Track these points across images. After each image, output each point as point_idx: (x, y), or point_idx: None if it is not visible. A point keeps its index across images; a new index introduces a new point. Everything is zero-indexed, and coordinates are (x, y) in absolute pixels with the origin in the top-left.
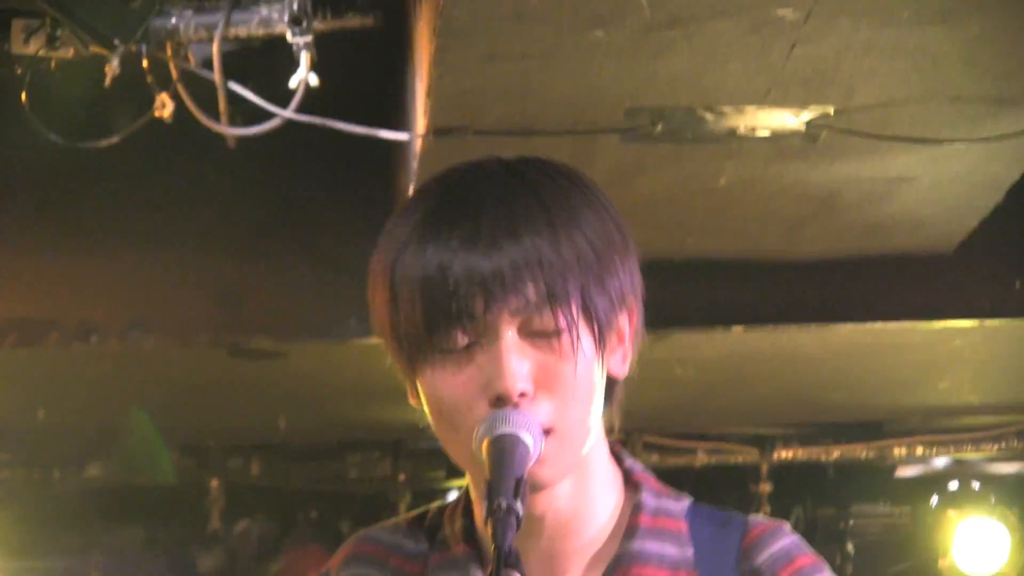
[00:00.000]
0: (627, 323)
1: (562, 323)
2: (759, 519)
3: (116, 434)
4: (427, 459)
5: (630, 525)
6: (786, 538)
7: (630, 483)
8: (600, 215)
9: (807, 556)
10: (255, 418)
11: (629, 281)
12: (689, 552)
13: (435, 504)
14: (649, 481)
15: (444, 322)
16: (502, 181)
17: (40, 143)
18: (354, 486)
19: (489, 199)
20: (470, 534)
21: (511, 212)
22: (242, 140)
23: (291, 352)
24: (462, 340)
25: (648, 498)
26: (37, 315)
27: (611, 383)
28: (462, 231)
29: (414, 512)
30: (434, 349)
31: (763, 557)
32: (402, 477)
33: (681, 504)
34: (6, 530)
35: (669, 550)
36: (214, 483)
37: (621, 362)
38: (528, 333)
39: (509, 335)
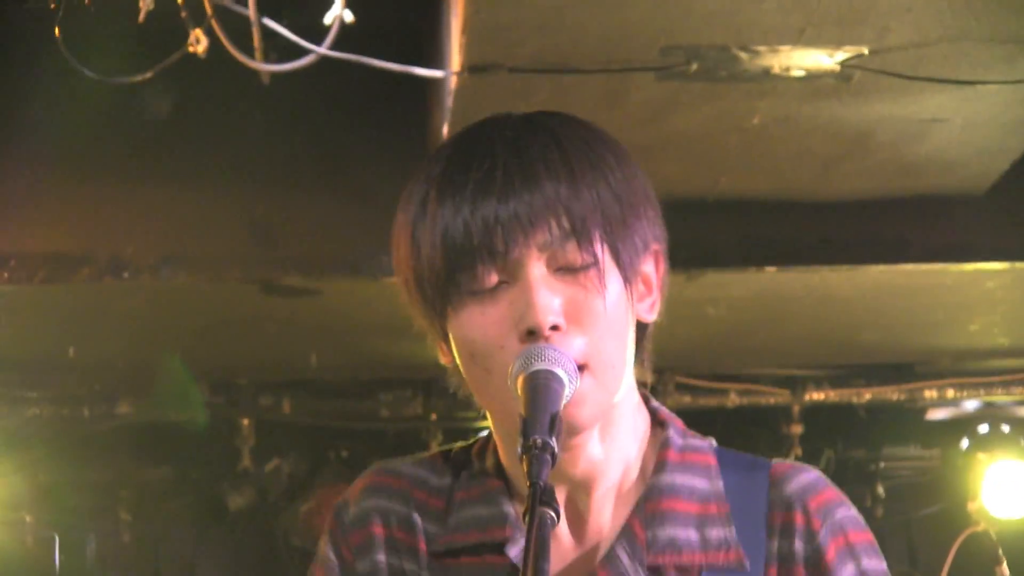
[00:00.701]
0: (653, 269)
1: (588, 257)
2: (782, 461)
3: (147, 371)
4: (459, 398)
5: (659, 460)
6: (812, 472)
7: (656, 422)
8: (622, 164)
9: (833, 490)
10: (286, 355)
11: (653, 229)
12: (719, 484)
13: (457, 444)
14: (675, 421)
15: (467, 261)
16: (518, 130)
17: (74, 78)
18: (385, 425)
19: (503, 147)
20: (500, 471)
21: (528, 158)
22: (276, 77)
23: (323, 289)
24: (490, 280)
25: (675, 436)
26: (68, 251)
27: (641, 329)
28: (477, 178)
29: (434, 450)
30: (460, 291)
31: (792, 487)
32: (433, 416)
33: (707, 442)
34: (35, 467)
35: (699, 483)
36: (245, 421)
37: (649, 309)
38: (556, 269)
39: (536, 270)
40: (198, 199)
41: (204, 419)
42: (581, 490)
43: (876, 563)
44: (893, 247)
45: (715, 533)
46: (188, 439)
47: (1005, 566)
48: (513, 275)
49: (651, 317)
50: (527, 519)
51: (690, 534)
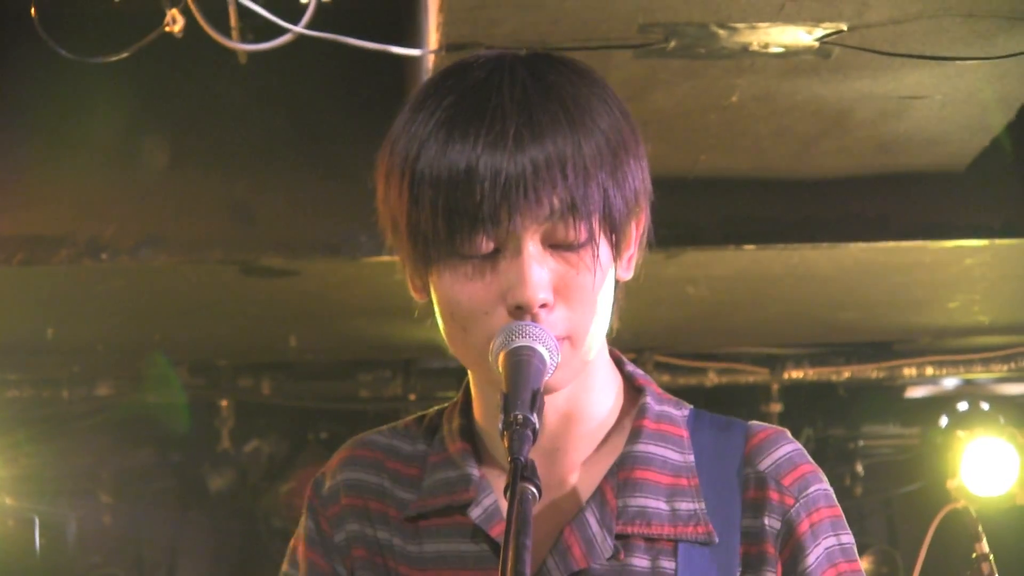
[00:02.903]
0: (635, 227)
1: (584, 236)
2: (760, 425)
3: (127, 353)
4: (438, 378)
5: (635, 428)
6: (788, 445)
7: (632, 387)
8: (613, 115)
9: (809, 464)
10: (266, 336)
11: (641, 181)
12: (690, 458)
13: (434, 408)
14: (651, 386)
15: (468, 227)
16: (523, 81)
17: (51, 59)
18: (365, 405)
19: (512, 101)
20: (467, 432)
21: (534, 114)
22: (254, 56)
23: (302, 270)
24: (485, 247)
25: (651, 402)
26: (46, 232)
27: (616, 286)
28: (487, 132)
29: (413, 416)
30: (453, 253)
31: (767, 463)
32: (413, 396)
33: (682, 411)
34: (15, 450)
35: (672, 455)
36: (224, 403)
37: (627, 266)
38: (550, 243)
39: (531, 245)
40: (177, 180)
41: (183, 401)
42: (555, 443)
43: (845, 538)
44: (872, 225)
45: (684, 506)
46: (168, 421)
47: (985, 543)
48: (508, 246)
49: (628, 275)
50: (508, 495)
51: (660, 505)
